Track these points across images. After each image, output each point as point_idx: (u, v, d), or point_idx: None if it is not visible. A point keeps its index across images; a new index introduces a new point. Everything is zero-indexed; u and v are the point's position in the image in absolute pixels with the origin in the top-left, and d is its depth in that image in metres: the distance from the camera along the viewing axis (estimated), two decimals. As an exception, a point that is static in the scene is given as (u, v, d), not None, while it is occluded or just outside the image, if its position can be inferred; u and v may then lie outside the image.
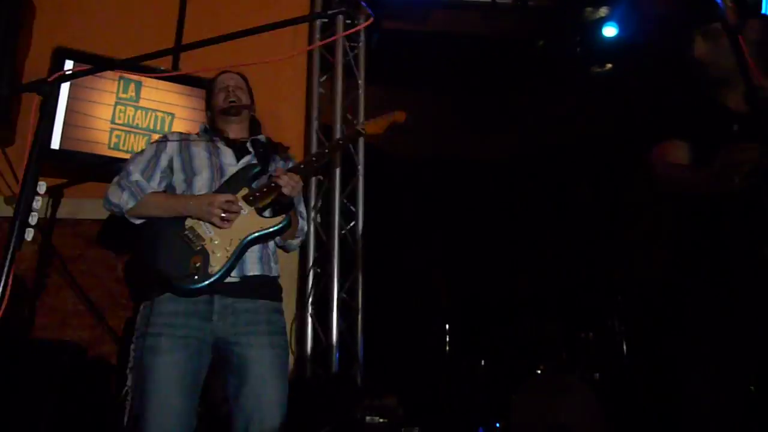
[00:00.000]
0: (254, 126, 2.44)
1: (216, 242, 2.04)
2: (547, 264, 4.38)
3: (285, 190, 2.12)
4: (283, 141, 2.45)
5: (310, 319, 3.45)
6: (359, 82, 4.01)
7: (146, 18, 3.68)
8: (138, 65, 2.79)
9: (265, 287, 2.12)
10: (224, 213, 2.05)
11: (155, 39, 3.57)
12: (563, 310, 3.76)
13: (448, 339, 3.91)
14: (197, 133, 2.36)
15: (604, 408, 3.34)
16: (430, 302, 4.12)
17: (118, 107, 3.30)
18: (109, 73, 3.29)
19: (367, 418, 2.90)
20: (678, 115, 1.94)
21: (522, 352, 3.73)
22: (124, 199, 2.11)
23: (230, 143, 2.29)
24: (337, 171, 3.79)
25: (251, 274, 2.08)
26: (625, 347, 3.57)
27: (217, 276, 1.99)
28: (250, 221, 2.09)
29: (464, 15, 4.56)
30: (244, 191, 2.14)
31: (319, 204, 3.79)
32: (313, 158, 2.28)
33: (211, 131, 2.36)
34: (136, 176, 2.17)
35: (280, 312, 2.15)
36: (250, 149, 2.30)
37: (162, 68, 3.32)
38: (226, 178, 2.17)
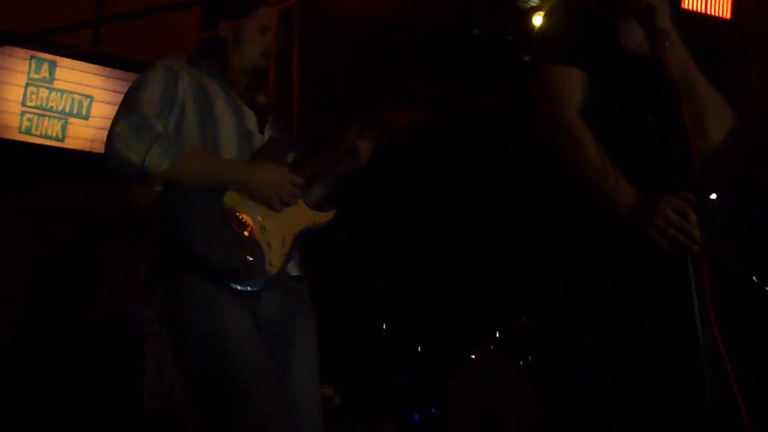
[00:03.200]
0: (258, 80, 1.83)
1: (268, 230, 1.62)
2: (482, 249, 4.44)
3: (360, 159, 1.75)
4: None
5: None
6: (293, 66, 3.92)
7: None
8: (50, 41, 2.61)
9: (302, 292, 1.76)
10: (288, 197, 1.64)
11: (72, 13, 3.33)
12: (497, 295, 3.81)
13: (384, 326, 3.89)
14: (201, 63, 1.73)
15: (539, 391, 3.40)
16: (367, 288, 4.09)
17: (30, 88, 3.08)
18: (19, 51, 3.06)
19: (302, 408, 2.83)
20: (572, 38, 1.53)
21: (458, 337, 3.76)
22: (154, 158, 1.52)
23: (247, 103, 1.75)
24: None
25: (292, 274, 1.70)
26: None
27: (276, 276, 1.60)
28: (300, 212, 1.70)
29: (397, 2, 4.53)
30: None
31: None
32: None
33: (221, 76, 1.73)
34: (158, 124, 1.57)
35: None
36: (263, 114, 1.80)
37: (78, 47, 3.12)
38: (255, 149, 1.70)
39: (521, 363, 3.55)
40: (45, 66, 3.10)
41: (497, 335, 3.65)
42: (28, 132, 3.02)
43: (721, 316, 1.27)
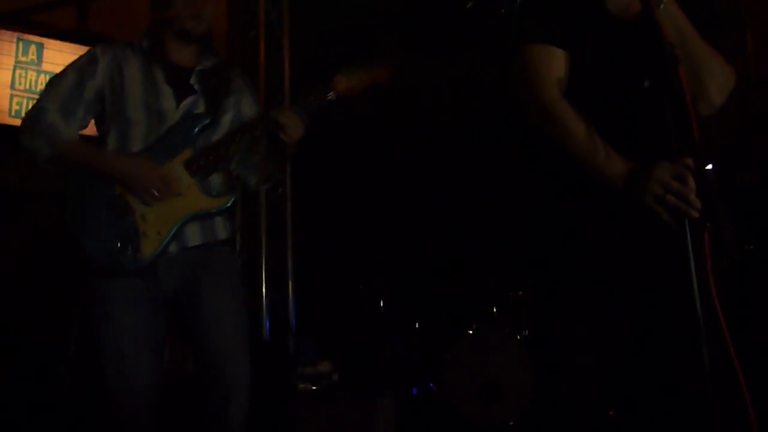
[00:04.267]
0: (205, 46, 1.90)
1: (148, 219, 1.74)
2: (477, 223, 4.43)
3: (288, 134, 1.74)
4: None
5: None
6: (284, 41, 3.87)
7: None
8: (36, 21, 2.58)
9: (211, 251, 1.85)
10: (158, 192, 1.74)
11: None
12: (494, 269, 3.81)
13: (381, 302, 3.91)
14: (135, 44, 1.86)
15: (535, 363, 3.43)
16: (363, 265, 4.09)
17: (18, 71, 3.05)
18: (5, 34, 3.02)
19: (300, 385, 2.86)
20: (551, 15, 1.49)
21: (454, 312, 3.78)
22: (36, 146, 1.73)
23: (171, 75, 1.84)
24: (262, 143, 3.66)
25: (192, 245, 1.80)
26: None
27: (147, 260, 1.73)
28: (190, 198, 1.77)
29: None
30: (187, 154, 1.77)
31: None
32: (311, 97, 1.84)
33: (150, 47, 1.86)
34: (51, 116, 1.75)
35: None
36: (196, 86, 1.86)
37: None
38: (165, 127, 1.79)
39: (518, 337, 3.57)
40: (32, 48, 3.06)
41: (494, 309, 3.67)
42: (17, 116, 3.00)
43: (720, 286, 1.26)
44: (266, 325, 3.30)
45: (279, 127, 1.76)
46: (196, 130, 1.81)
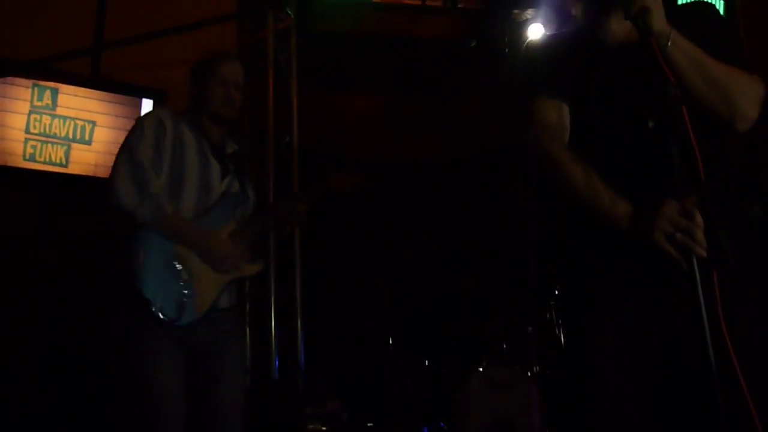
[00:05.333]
0: (230, 129, 2.20)
1: (202, 282, 1.96)
2: (485, 260, 4.43)
3: (298, 219, 2.17)
4: None
5: (247, 327, 3.37)
6: (292, 83, 3.95)
7: (62, 18, 3.49)
8: (51, 68, 2.64)
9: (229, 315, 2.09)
10: (232, 265, 2.01)
11: (72, 40, 3.39)
12: (503, 305, 3.80)
13: (390, 339, 3.89)
14: (185, 116, 2.08)
15: (546, 399, 3.39)
16: (372, 303, 4.09)
17: (33, 116, 3.11)
18: (21, 80, 3.10)
19: (309, 426, 2.84)
20: (549, 67, 1.55)
21: (464, 349, 3.75)
22: (141, 212, 1.88)
23: (215, 152, 2.07)
24: (270, 176, 3.72)
25: (222, 307, 2.03)
26: (562, 338, 3.65)
27: (200, 317, 1.94)
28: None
29: (395, 17, 4.57)
30: (231, 226, 2.04)
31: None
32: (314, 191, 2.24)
33: (197, 128, 2.07)
34: (153, 184, 1.90)
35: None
36: (231, 166, 2.12)
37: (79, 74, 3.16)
38: (211, 201, 2.02)
39: (528, 373, 3.54)
40: (47, 93, 3.14)
41: (504, 346, 3.65)
42: (32, 159, 3.06)
43: (730, 325, 1.25)
44: (275, 363, 3.28)
45: (295, 215, 2.15)
46: (238, 204, 2.09)
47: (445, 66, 5.08)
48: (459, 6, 4.37)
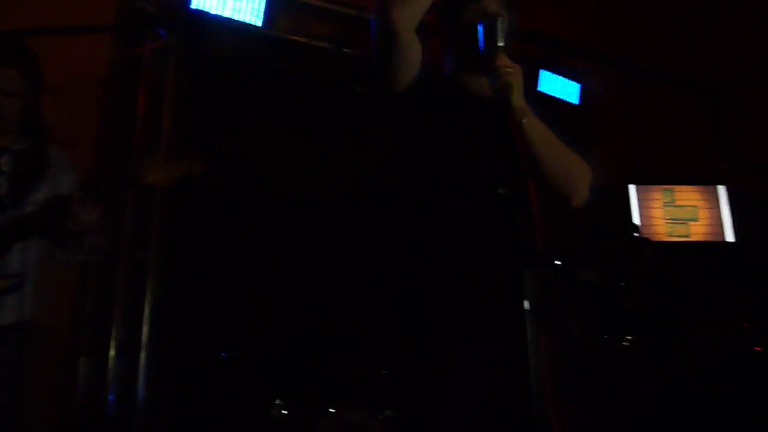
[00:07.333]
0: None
1: None
2: (349, 302, 4.44)
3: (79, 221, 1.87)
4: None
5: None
6: (165, 103, 3.81)
7: None
8: None
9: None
10: None
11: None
12: (358, 347, 3.81)
13: (244, 377, 3.76)
14: None
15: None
16: (227, 336, 3.95)
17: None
18: None
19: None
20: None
21: (316, 390, 3.70)
22: None
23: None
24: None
25: (3, 323, 1.86)
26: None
27: None
28: None
29: (283, 51, 4.59)
30: None
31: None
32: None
33: None
34: None
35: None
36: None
37: None
38: None
39: (380, 416, 3.55)
40: None
41: (357, 388, 3.64)
42: None
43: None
44: (109, 398, 3.05)
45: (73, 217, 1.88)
46: None
47: (330, 106, 5.13)
48: (345, 50, 4.49)
